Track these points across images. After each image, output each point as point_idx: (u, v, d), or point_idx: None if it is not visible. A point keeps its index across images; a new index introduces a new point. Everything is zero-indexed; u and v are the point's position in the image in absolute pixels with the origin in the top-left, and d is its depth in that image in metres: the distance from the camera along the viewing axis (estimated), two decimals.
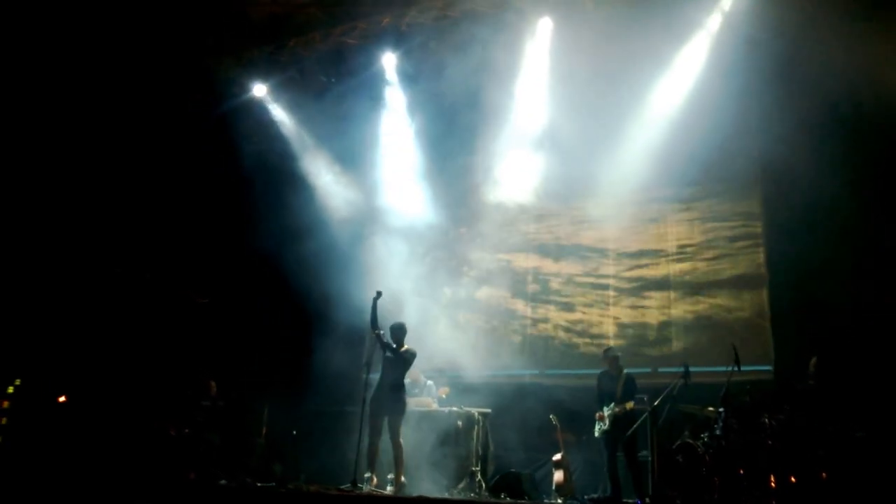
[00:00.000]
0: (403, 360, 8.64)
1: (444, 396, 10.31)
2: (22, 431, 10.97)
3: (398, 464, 8.41)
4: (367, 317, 8.82)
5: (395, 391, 8.54)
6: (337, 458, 9.58)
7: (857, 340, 8.69)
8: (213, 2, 10.05)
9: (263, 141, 11.99)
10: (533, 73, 11.27)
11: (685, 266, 11.05)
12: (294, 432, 10.59)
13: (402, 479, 8.42)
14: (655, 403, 8.31)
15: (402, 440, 8.50)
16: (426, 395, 10.27)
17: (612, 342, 10.96)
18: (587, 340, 11.48)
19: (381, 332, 8.74)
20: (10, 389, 11.40)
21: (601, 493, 8.91)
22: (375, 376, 8.76)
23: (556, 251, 12.21)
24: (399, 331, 8.81)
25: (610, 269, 11.66)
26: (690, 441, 7.93)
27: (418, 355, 8.89)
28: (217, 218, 12.39)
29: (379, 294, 8.78)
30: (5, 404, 11.28)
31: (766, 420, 7.76)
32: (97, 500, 8.03)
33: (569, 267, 12.05)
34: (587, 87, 10.98)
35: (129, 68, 10.59)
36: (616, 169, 11.16)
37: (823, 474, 7.60)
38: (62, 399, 11.83)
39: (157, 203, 12.08)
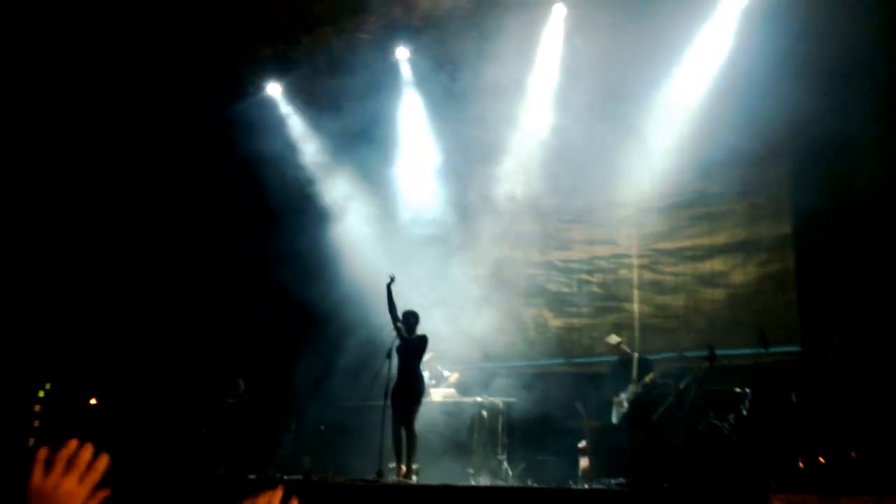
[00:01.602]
0: (417, 348, 8.66)
1: (454, 383, 10.33)
2: (54, 434, 11.14)
3: (411, 453, 8.45)
4: (385, 306, 8.82)
5: (409, 380, 8.59)
6: (365, 450, 9.65)
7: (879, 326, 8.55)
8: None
9: (273, 142, 12.02)
10: (547, 63, 11.16)
11: (707, 250, 10.90)
12: (322, 427, 10.63)
13: (414, 466, 8.49)
14: (682, 386, 8.29)
15: (415, 429, 8.56)
16: (446, 386, 10.31)
17: (637, 327, 10.95)
18: (612, 327, 11.40)
19: (400, 324, 8.75)
20: (41, 394, 11.58)
21: (627, 477, 8.85)
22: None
23: (579, 240, 12.13)
24: (411, 317, 8.83)
25: (633, 251, 11.54)
26: (717, 423, 7.85)
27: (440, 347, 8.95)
28: (232, 217, 12.45)
29: (392, 279, 8.78)
30: (37, 408, 11.46)
31: (794, 399, 7.68)
32: (127, 500, 8.16)
33: (591, 252, 11.97)
34: (603, 74, 10.94)
35: (136, 65, 10.65)
36: (638, 156, 11.09)
37: (853, 453, 7.53)
38: (93, 401, 12.01)
39: (178, 204, 12.20)
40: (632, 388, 8.93)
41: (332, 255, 11.97)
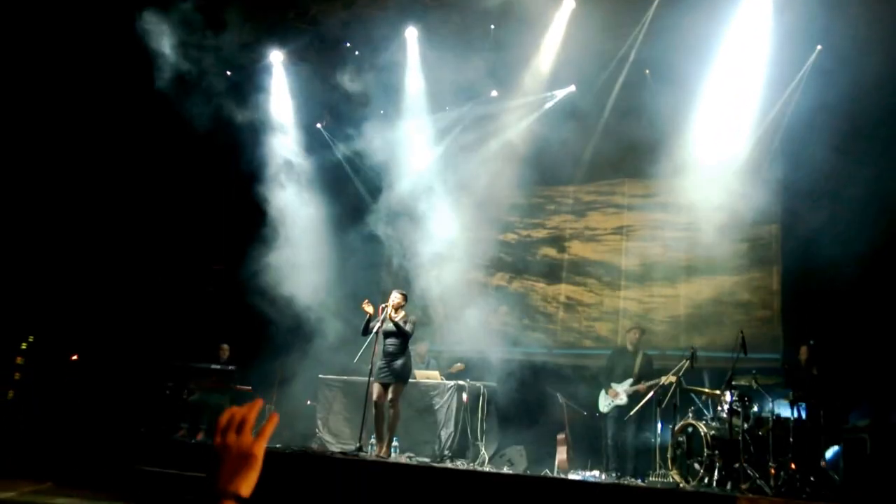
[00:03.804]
0: (400, 329, 8.74)
1: (455, 372, 10.46)
2: (34, 387, 11.15)
3: (391, 428, 8.63)
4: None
5: (396, 358, 8.70)
6: (349, 425, 9.77)
7: (862, 328, 8.69)
8: None
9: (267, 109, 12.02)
10: (554, 50, 11.14)
11: (696, 252, 11.01)
12: (308, 402, 10.74)
13: (395, 443, 8.70)
14: (661, 382, 8.45)
15: (399, 408, 8.69)
16: (432, 367, 10.44)
17: (624, 323, 11.10)
18: (597, 321, 11.54)
19: (372, 317, 8.81)
20: (24, 346, 11.55)
21: (604, 469, 9.01)
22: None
23: (571, 234, 12.24)
24: (400, 298, 8.92)
25: (622, 250, 11.69)
26: (694, 422, 8.01)
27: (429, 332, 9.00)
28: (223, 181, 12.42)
29: (369, 318, 8.80)
30: (19, 360, 11.43)
31: (770, 405, 7.85)
32: (105, 460, 8.23)
33: (580, 250, 12.08)
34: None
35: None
36: (632, 152, 11.21)
37: (823, 462, 7.71)
38: (74, 357, 11.99)
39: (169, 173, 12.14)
40: (633, 384, 9.13)
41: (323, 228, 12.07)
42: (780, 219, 10.38)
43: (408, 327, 8.80)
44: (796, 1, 9.34)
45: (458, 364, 10.68)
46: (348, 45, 11.63)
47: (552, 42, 10.99)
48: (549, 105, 11.81)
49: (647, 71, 10.94)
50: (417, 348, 10.51)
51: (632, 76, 11.06)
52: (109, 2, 10.49)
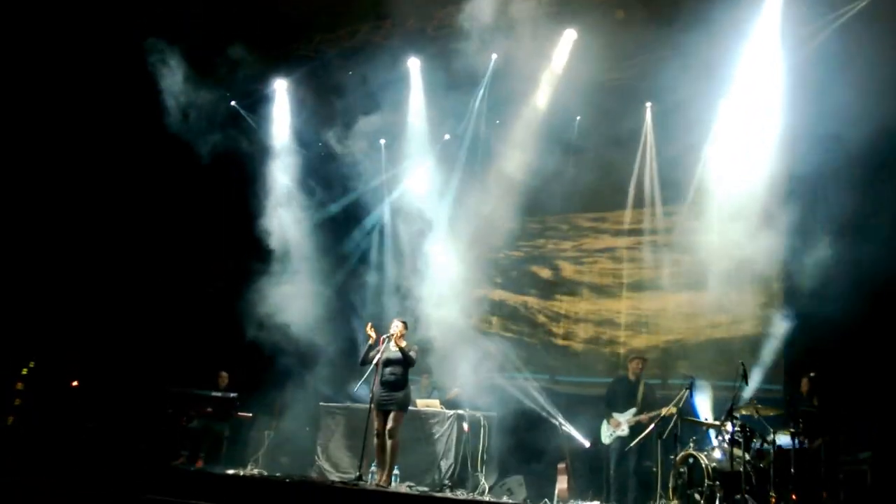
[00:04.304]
0: (405, 356, 8.72)
1: (453, 398, 10.44)
2: (34, 413, 11.14)
3: (392, 460, 8.56)
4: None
5: (397, 387, 8.65)
6: (349, 453, 9.74)
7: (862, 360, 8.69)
8: None
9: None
10: (557, 82, 11.26)
11: (699, 284, 11.04)
12: (307, 428, 10.72)
13: (395, 472, 8.63)
14: (661, 413, 8.44)
15: (398, 437, 8.63)
16: (433, 397, 10.42)
17: (621, 351, 11.08)
18: (598, 349, 11.55)
19: (373, 345, 8.81)
20: (24, 371, 11.55)
21: (604, 500, 8.97)
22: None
23: (571, 260, 12.30)
24: (402, 327, 8.92)
25: (622, 280, 11.73)
26: (694, 453, 7.98)
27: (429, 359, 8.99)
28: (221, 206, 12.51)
29: (370, 343, 8.81)
30: (19, 386, 11.42)
31: (772, 436, 7.81)
32: (104, 487, 8.19)
33: (581, 276, 12.13)
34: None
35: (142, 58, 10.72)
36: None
37: (824, 493, 7.67)
38: (75, 384, 11.98)
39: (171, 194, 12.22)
40: (635, 414, 9.12)
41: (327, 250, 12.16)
42: (784, 257, 10.35)
43: (412, 354, 8.75)
44: (806, 40, 9.43)
45: (455, 389, 10.66)
46: (351, 73, 11.74)
47: (553, 71, 11.12)
48: (547, 134, 11.87)
49: (649, 103, 11.07)
50: (420, 380, 10.52)
51: (633, 107, 11.17)
52: (115, 28, 10.64)
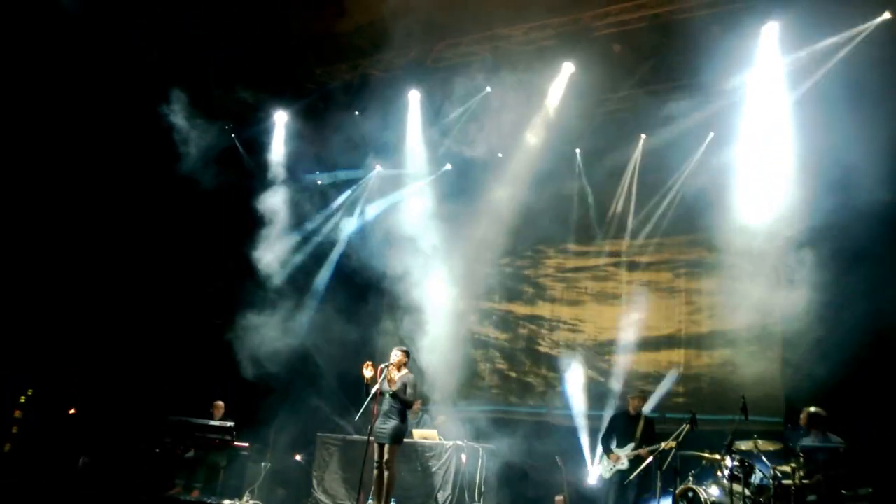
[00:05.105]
0: (405, 397, 8.58)
1: (440, 425, 10.38)
2: (32, 441, 11.09)
3: (389, 491, 8.44)
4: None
5: (392, 419, 8.54)
6: (346, 485, 9.67)
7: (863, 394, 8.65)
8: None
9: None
10: (551, 112, 11.35)
11: (698, 317, 11.03)
12: (300, 458, 10.64)
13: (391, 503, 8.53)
14: (661, 447, 8.36)
15: (395, 469, 8.51)
16: (424, 423, 10.35)
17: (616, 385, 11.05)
18: (598, 381, 11.50)
19: (370, 384, 8.68)
20: (22, 399, 11.51)
21: None
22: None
23: (570, 295, 12.30)
24: (402, 355, 8.84)
25: (622, 309, 11.71)
26: (694, 487, 7.90)
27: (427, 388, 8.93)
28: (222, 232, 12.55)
29: (368, 387, 8.58)
30: (17, 413, 11.38)
31: (773, 471, 7.73)
32: None
33: (579, 312, 12.13)
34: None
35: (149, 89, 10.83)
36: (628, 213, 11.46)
37: None
38: (72, 412, 11.94)
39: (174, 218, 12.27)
40: (636, 448, 9.06)
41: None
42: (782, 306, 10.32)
43: (409, 392, 8.52)
44: (813, 99, 9.54)
45: (441, 417, 10.62)
46: (351, 107, 11.85)
47: (550, 104, 11.22)
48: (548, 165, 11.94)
49: (643, 135, 11.14)
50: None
51: (630, 140, 11.26)
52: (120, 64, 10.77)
